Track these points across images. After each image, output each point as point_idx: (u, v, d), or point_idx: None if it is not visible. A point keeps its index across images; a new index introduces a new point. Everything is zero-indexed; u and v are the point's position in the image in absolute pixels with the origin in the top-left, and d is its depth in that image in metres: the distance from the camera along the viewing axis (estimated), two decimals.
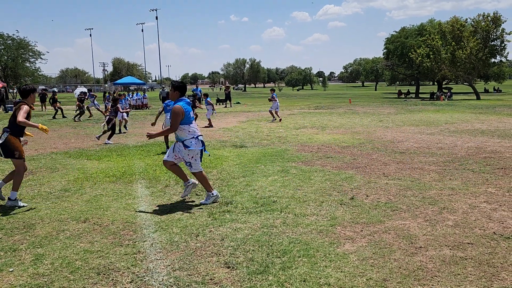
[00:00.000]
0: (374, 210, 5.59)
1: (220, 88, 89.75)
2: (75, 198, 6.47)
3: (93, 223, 5.29)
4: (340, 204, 5.86)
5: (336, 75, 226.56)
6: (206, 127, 17.76)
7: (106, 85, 73.40)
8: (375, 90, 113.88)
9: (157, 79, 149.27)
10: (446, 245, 4.39)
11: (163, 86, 51.61)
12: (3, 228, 5.15)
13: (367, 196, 6.29)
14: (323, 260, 4.07)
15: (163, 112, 11.42)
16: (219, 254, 4.27)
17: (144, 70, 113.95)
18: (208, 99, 18.51)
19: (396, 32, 64.52)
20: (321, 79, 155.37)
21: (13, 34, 47.05)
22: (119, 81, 49.60)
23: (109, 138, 12.86)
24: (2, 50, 46.46)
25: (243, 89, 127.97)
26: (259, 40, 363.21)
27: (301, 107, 30.62)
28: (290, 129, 15.52)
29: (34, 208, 5.96)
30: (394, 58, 62.58)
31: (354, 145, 11.24)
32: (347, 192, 6.49)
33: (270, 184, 7.12)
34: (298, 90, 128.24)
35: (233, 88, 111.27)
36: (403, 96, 59.30)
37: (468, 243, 4.43)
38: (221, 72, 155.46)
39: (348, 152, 10.14)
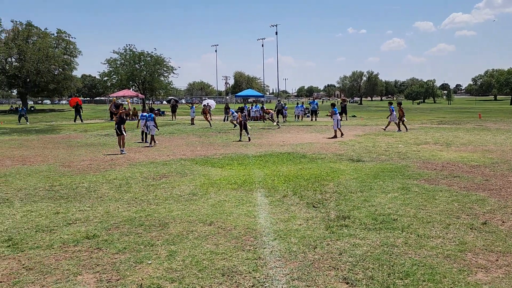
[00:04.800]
0: None
1: (337, 101, 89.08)
2: (202, 202, 7.02)
3: (217, 226, 5.68)
4: (470, 229, 5.39)
5: (463, 88, 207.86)
6: (332, 137, 17.82)
7: (227, 97, 77.98)
8: (511, 104, 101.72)
9: (274, 91, 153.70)
10: None
11: (279, 99, 53.02)
12: (143, 224, 5.82)
13: (503, 222, 5.67)
14: (451, 287, 3.79)
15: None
16: (338, 269, 4.25)
17: (262, 83, 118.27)
18: (334, 109, 18.62)
19: None
20: (445, 92, 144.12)
21: (152, 52, 52.94)
22: (240, 93, 52.22)
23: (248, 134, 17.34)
24: (142, 66, 52.47)
25: (359, 102, 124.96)
26: (377, 52, 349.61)
27: (422, 122, 28.79)
28: (410, 145, 14.71)
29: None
30: None
31: (486, 165, 10.20)
32: (478, 216, 5.93)
33: (390, 201, 6.85)
34: (418, 103, 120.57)
35: (349, 101, 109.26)
36: None
37: None
38: (336, 85, 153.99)
39: (479, 172, 9.25)
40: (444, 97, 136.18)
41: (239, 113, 18.35)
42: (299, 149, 14.07)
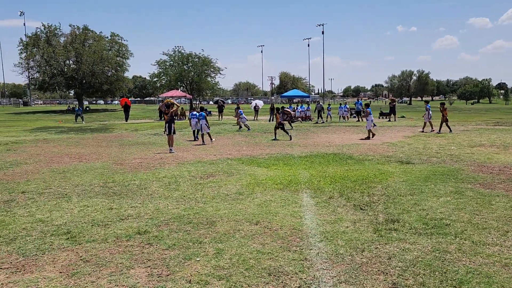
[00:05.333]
0: None
1: (385, 102, 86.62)
2: (248, 201, 7.09)
3: (263, 226, 5.72)
4: None
5: None
6: (365, 139, 17.40)
7: (272, 98, 78.16)
8: None
9: (320, 92, 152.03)
10: None
11: (318, 100, 52.50)
12: (191, 222, 5.97)
13: None
14: None
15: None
16: (386, 273, 4.16)
17: (308, 83, 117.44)
18: (368, 109, 18.17)
19: None
20: (502, 91, 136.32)
21: (199, 53, 54.11)
22: (285, 94, 52.16)
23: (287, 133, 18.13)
24: (190, 67, 53.73)
25: (408, 102, 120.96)
26: (428, 50, 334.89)
27: (476, 123, 27.45)
28: (463, 147, 14.07)
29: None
30: None
31: None
32: None
33: (442, 205, 6.60)
34: (472, 103, 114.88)
35: (398, 101, 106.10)
36: None
37: None
38: (384, 85, 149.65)
39: None
40: (501, 97, 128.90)
41: (276, 114, 18.98)
42: (345, 150, 13.85)
